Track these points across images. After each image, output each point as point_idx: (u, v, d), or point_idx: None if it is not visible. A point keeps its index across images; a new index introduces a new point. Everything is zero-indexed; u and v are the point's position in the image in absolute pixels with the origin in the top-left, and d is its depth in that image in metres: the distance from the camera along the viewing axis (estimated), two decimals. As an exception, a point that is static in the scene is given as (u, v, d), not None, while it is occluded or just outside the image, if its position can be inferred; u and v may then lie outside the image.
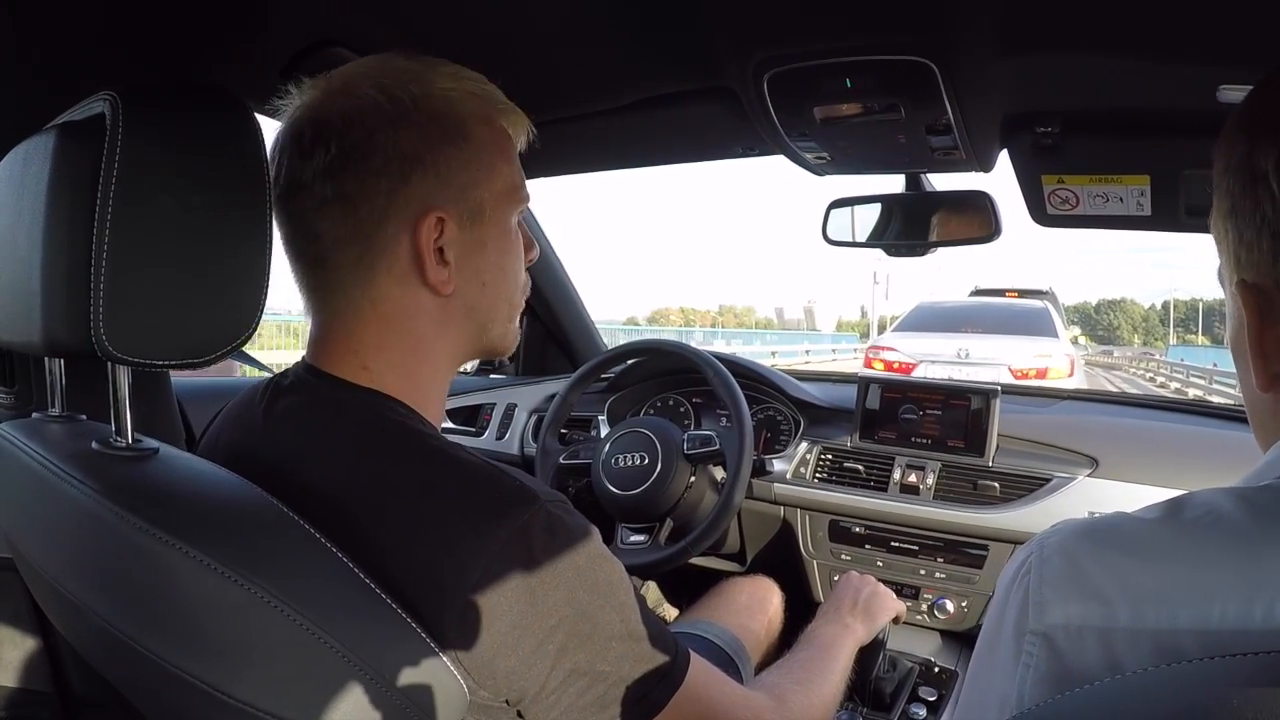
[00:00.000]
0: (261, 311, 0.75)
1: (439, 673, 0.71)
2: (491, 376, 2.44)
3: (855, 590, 1.39)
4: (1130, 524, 0.62)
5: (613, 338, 2.46)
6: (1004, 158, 1.54)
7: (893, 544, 1.78)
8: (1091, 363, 30.26)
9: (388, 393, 0.83)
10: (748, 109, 1.36)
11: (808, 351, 30.44)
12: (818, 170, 1.57)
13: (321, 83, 0.84)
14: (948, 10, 1.11)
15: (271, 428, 0.84)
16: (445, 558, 0.72)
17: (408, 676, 0.70)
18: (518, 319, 0.94)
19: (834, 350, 30.32)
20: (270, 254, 0.75)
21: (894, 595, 1.43)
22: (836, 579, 1.51)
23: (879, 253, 1.81)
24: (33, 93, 1.14)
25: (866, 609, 1.35)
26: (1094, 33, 1.16)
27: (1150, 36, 1.15)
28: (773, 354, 26.05)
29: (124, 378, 0.75)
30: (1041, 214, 1.59)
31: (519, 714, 0.76)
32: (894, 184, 1.67)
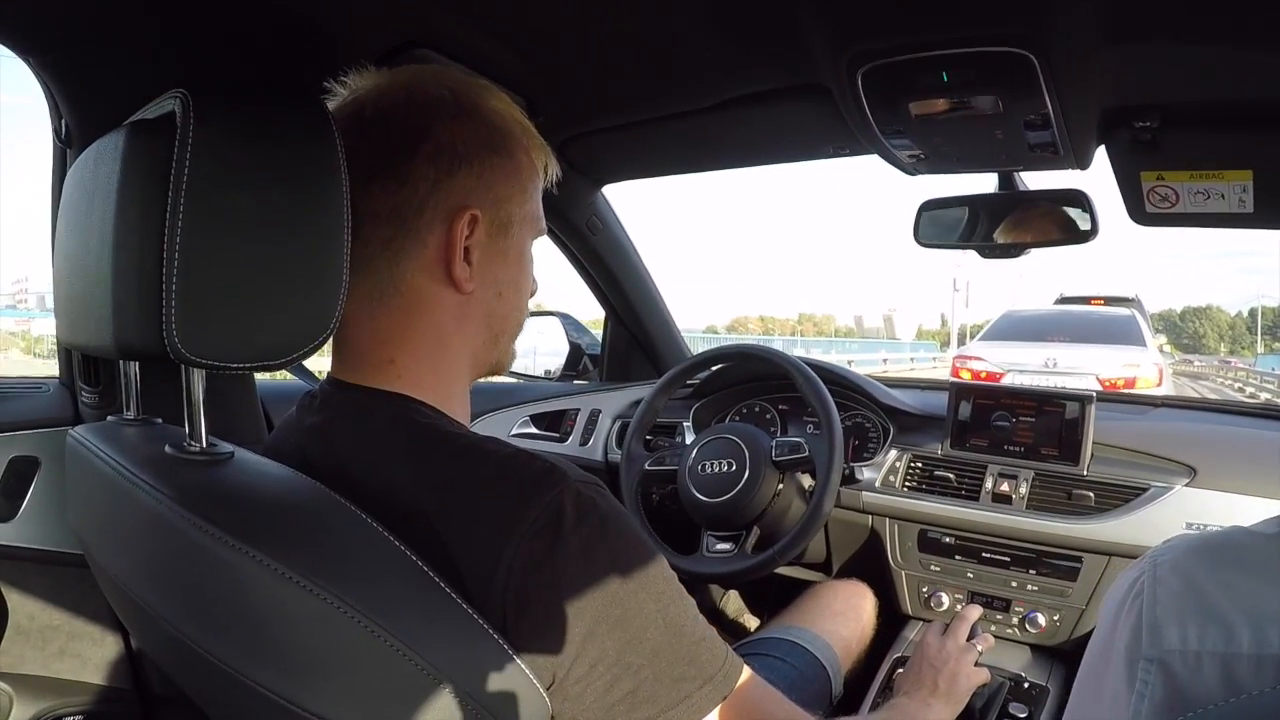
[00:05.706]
0: (339, 312, 0.73)
1: (518, 681, 0.69)
2: (575, 382, 2.44)
3: (934, 669, 1.33)
4: (1248, 540, 0.59)
5: (693, 345, 2.46)
6: (1101, 155, 1.49)
7: (984, 555, 1.73)
8: (1178, 372, 29.36)
9: (413, 394, 0.83)
10: (841, 106, 1.34)
11: (885, 360, 30.08)
12: (910, 170, 1.54)
13: (387, 73, 0.86)
14: None
15: (308, 442, 0.85)
16: (482, 545, 0.72)
17: (488, 687, 0.68)
18: (517, 341, 0.95)
19: (912, 359, 29.83)
20: (348, 253, 0.73)
21: (975, 671, 1.37)
22: (914, 637, 1.43)
23: (959, 259, 1.79)
24: (115, 95, 1.15)
25: (949, 691, 1.30)
26: (1199, 21, 1.12)
27: (1257, 25, 1.10)
28: (849, 362, 25.58)
29: (198, 381, 0.74)
30: (1140, 212, 1.54)
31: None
32: (986, 183, 1.63)
